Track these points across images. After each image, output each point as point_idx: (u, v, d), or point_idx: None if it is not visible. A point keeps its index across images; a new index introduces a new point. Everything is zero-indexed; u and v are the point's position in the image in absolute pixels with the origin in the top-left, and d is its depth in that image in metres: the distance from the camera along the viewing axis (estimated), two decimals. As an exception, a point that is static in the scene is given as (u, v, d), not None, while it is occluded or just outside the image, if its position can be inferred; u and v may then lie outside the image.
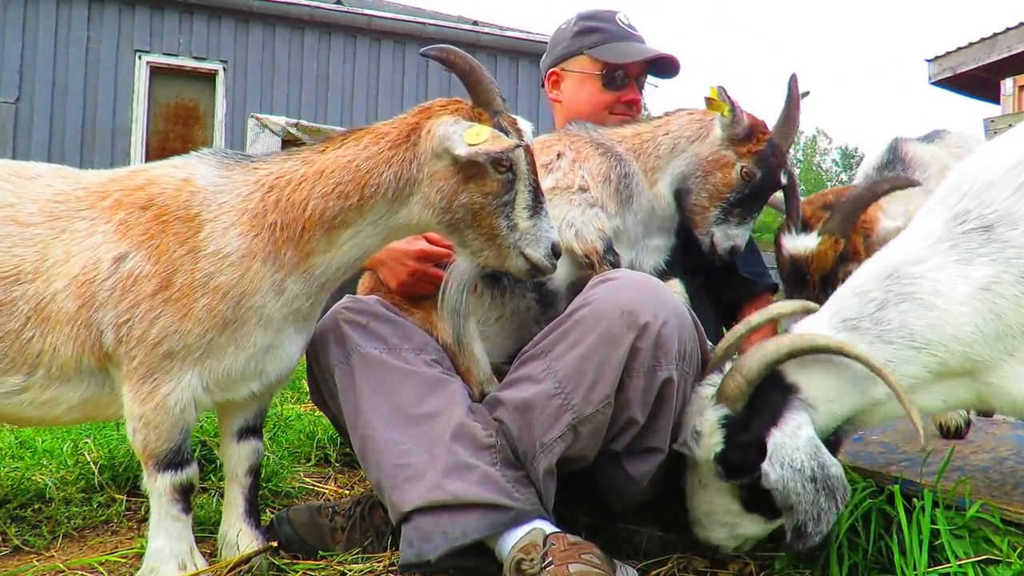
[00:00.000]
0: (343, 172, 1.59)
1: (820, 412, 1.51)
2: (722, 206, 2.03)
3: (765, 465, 1.46)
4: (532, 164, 1.63)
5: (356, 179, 1.58)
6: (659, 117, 2.19)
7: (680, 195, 2.10)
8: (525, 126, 1.65)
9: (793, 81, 2.01)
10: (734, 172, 2.00)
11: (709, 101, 2.01)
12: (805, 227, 1.94)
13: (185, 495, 1.64)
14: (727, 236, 2.04)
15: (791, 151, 2.22)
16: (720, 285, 2.37)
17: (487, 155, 1.51)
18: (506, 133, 1.57)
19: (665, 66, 2.36)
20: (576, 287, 1.93)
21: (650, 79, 2.49)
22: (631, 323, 1.62)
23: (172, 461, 1.61)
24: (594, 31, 2.38)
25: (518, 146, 1.54)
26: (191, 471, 1.65)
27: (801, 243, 1.92)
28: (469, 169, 1.56)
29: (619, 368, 1.63)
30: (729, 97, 1.98)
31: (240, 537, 1.76)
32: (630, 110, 2.38)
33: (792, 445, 1.45)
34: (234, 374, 1.62)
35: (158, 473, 1.61)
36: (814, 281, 1.92)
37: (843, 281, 2.00)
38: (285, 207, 1.59)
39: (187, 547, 1.64)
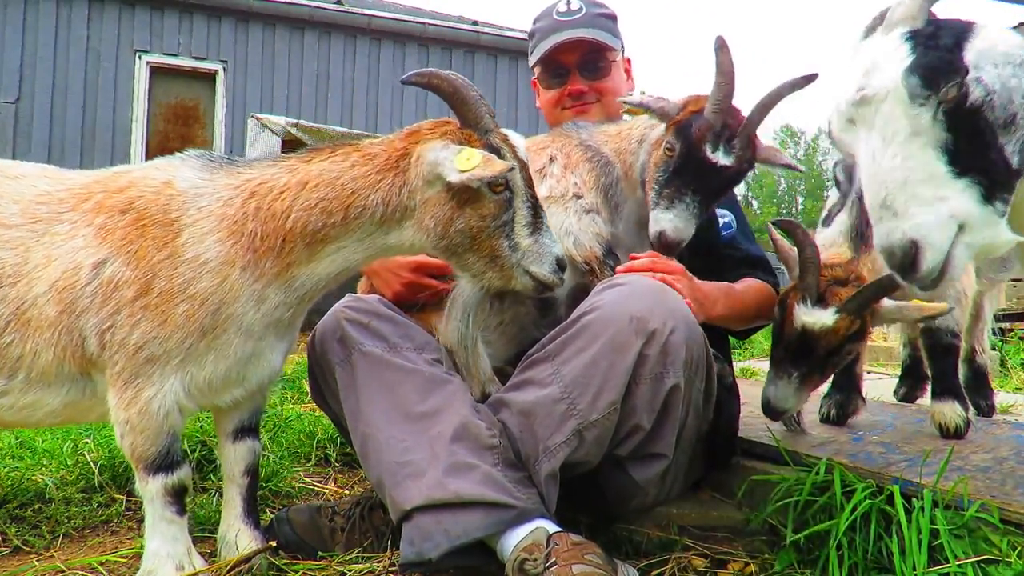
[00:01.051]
0: (328, 188, 1.55)
1: None
2: (655, 187, 1.89)
3: (973, 73, 1.15)
4: (528, 179, 1.58)
5: (341, 197, 1.55)
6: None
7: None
8: (517, 140, 1.59)
9: (719, 45, 1.83)
10: (661, 148, 1.90)
11: (632, 113, 1.99)
12: (819, 300, 1.92)
13: (178, 497, 1.63)
14: (655, 220, 1.86)
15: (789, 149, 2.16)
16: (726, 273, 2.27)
17: (480, 180, 1.46)
18: (498, 151, 1.53)
19: (593, 44, 2.31)
20: (575, 293, 1.92)
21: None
22: (639, 330, 1.62)
23: (162, 464, 1.61)
24: (533, 36, 2.41)
25: (511, 168, 1.49)
26: (182, 473, 1.64)
27: (817, 317, 1.89)
28: (464, 193, 1.51)
29: (626, 375, 1.62)
30: (636, 103, 1.94)
31: (239, 537, 1.75)
32: (579, 101, 2.35)
33: (1003, 44, 1.17)
34: (215, 381, 1.61)
35: (149, 476, 1.61)
36: (820, 355, 1.93)
37: (847, 358, 1.99)
38: (265, 216, 1.56)
39: (183, 548, 1.64)
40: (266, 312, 1.60)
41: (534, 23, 2.43)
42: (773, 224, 2.17)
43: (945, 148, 1.17)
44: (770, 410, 2.02)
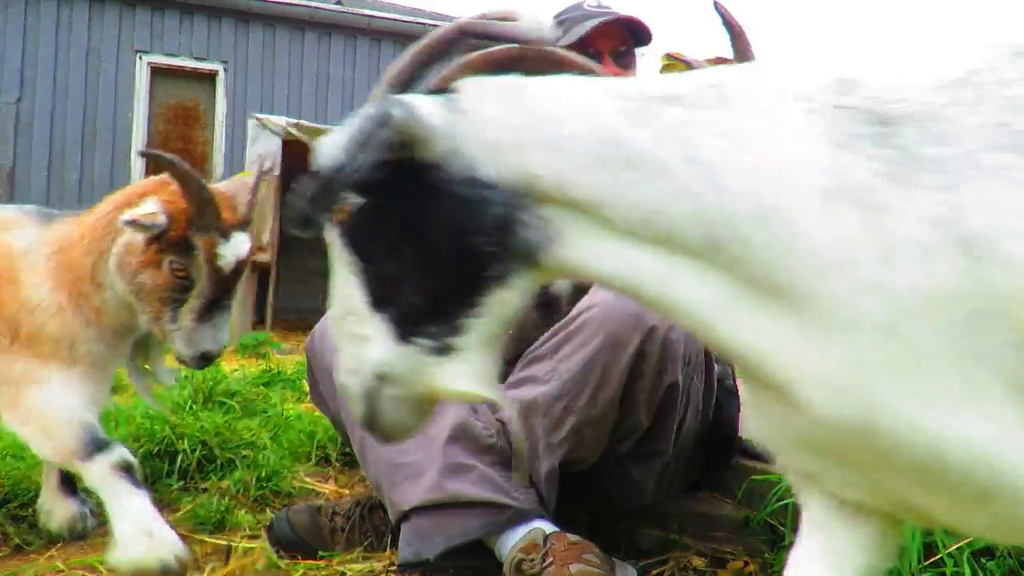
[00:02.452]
0: (95, 230, 1.79)
1: None
2: None
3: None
4: (221, 285, 1.75)
5: (100, 237, 1.79)
6: None
7: None
8: (228, 251, 1.74)
9: (720, 9, 1.90)
10: None
11: (667, 68, 2.01)
12: None
13: (129, 472, 1.67)
14: None
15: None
16: None
17: (133, 224, 1.66)
18: (193, 249, 1.70)
19: (634, 30, 2.29)
20: (576, 291, 1.92)
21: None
22: (638, 327, 1.62)
23: (95, 447, 1.68)
24: (560, 25, 2.32)
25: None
26: (122, 451, 1.70)
27: None
28: (151, 256, 1.73)
29: (625, 372, 1.62)
30: (680, 58, 1.98)
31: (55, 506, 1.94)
32: None
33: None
34: (99, 400, 1.84)
35: (91, 459, 1.66)
36: None
37: None
38: (69, 264, 1.79)
39: (151, 517, 1.64)
40: (111, 345, 1.84)
41: (557, 17, 2.35)
42: None
43: (363, 272, 0.90)
44: None
